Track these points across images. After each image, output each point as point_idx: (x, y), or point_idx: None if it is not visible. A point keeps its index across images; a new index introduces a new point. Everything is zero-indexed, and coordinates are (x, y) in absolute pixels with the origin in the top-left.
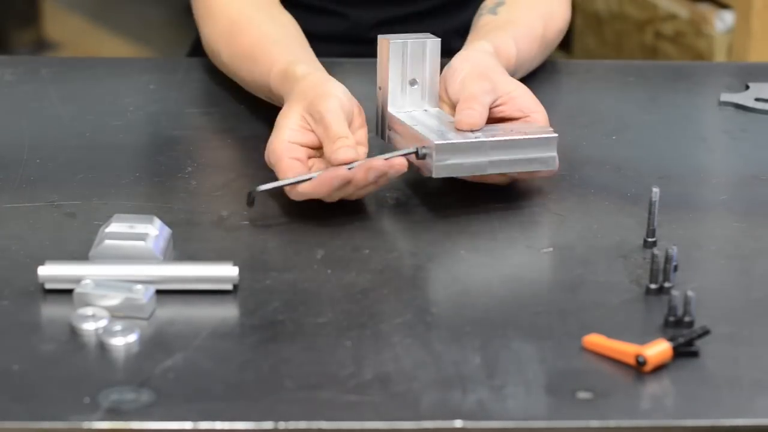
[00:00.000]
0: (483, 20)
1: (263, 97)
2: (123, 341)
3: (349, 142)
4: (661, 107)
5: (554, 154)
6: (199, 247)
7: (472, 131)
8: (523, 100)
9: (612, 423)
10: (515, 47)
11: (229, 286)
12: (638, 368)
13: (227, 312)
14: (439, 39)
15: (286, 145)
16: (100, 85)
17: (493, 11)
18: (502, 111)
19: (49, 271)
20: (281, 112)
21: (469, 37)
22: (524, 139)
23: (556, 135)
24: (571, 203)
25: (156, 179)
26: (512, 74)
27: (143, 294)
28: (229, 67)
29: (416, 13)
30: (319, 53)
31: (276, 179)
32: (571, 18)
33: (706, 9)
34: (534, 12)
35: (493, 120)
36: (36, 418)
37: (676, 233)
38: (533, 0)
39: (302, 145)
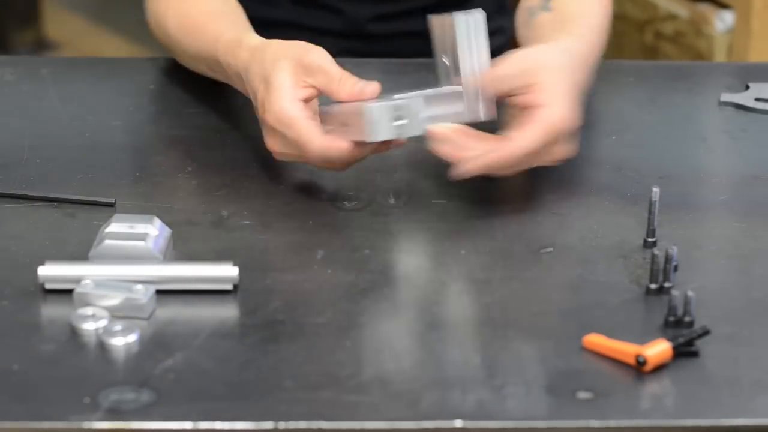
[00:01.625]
0: (540, 20)
1: (204, 70)
2: (123, 341)
3: (355, 79)
4: (661, 107)
5: (478, 106)
6: (199, 247)
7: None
8: (544, 89)
9: (612, 423)
10: (588, 37)
11: (229, 286)
12: (638, 368)
13: (227, 312)
14: (474, 16)
15: (295, 105)
16: (100, 85)
17: (547, 8)
18: (525, 99)
19: (49, 271)
20: (268, 74)
21: (530, 41)
22: (431, 94)
23: (459, 89)
24: (571, 203)
25: (156, 179)
26: (594, 66)
27: (143, 294)
28: (173, 38)
29: (413, 9)
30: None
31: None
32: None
33: (706, 9)
34: (586, 1)
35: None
36: (36, 418)
37: (676, 233)
38: None
39: (305, 101)
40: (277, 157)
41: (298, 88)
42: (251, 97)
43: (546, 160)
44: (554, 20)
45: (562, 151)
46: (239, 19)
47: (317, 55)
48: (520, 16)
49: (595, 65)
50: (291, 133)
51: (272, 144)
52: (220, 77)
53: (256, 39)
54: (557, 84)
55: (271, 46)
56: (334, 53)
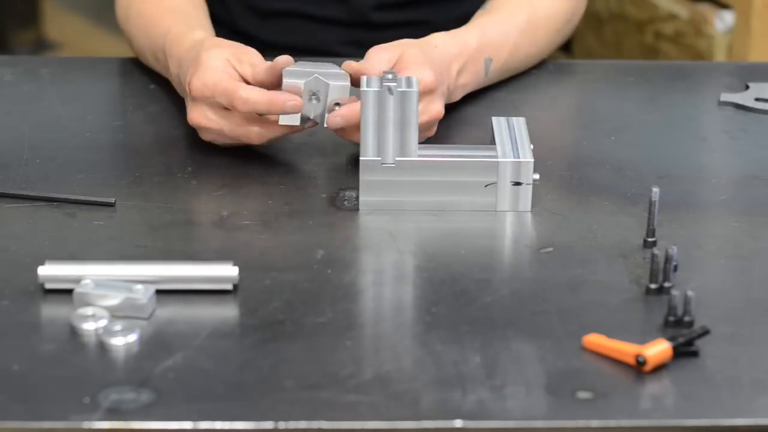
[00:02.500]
0: (475, 15)
1: (152, 62)
2: (123, 341)
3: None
4: (661, 107)
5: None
6: (199, 247)
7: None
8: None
9: (612, 423)
10: (480, 33)
11: (229, 286)
12: (638, 368)
13: (227, 312)
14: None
15: (224, 69)
16: (100, 85)
17: (483, 7)
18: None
19: (49, 271)
20: (201, 56)
21: None
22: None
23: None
24: (571, 203)
25: (156, 179)
26: (484, 61)
27: (143, 294)
28: (129, 30)
29: (416, 0)
30: (318, 36)
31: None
32: (579, 7)
33: (706, 9)
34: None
35: None
36: (36, 418)
37: (676, 233)
38: None
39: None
40: (203, 135)
41: (227, 67)
42: (178, 80)
43: (423, 118)
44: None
45: (433, 109)
46: (194, 16)
47: (252, 53)
48: None
49: (469, 55)
50: (219, 89)
51: (196, 116)
52: (162, 70)
53: (201, 34)
54: (414, 58)
55: (212, 40)
56: (339, 43)
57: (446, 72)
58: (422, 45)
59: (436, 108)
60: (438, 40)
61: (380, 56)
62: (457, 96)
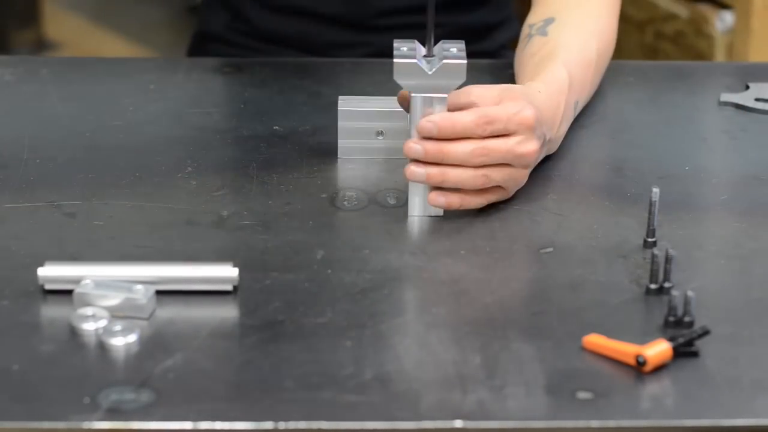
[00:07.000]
0: (533, 46)
1: None
2: (123, 341)
3: None
4: (661, 107)
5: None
6: (199, 247)
7: None
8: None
9: (612, 423)
10: (568, 75)
11: (229, 287)
12: (638, 368)
13: (227, 312)
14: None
15: None
16: (100, 85)
17: (543, 32)
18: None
19: (49, 272)
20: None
21: (519, 68)
22: None
23: None
24: (571, 203)
25: (156, 179)
26: (573, 105)
27: (143, 294)
28: None
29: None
30: (326, 35)
31: None
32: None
33: (706, 9)
34: (584, 31)
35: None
36: (36, 418)
37: (676, 233)
38: (583, 15)
39: None
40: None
41: None
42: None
43: (512, 149)
44: (542, 51)
45: (529, 147)
46: None
47: None
48: (523, 30)
49: (565, 101)
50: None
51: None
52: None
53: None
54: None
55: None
56: (346, 45)
57: (550, 121)
58: (525, 90)
59: (531, 146)
60: (540, 86)
61: (485, 94)
62: (556, 147)
